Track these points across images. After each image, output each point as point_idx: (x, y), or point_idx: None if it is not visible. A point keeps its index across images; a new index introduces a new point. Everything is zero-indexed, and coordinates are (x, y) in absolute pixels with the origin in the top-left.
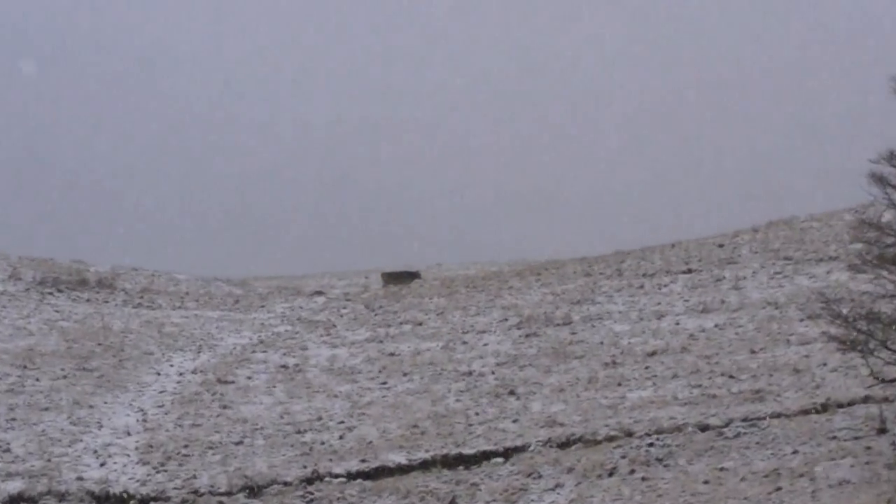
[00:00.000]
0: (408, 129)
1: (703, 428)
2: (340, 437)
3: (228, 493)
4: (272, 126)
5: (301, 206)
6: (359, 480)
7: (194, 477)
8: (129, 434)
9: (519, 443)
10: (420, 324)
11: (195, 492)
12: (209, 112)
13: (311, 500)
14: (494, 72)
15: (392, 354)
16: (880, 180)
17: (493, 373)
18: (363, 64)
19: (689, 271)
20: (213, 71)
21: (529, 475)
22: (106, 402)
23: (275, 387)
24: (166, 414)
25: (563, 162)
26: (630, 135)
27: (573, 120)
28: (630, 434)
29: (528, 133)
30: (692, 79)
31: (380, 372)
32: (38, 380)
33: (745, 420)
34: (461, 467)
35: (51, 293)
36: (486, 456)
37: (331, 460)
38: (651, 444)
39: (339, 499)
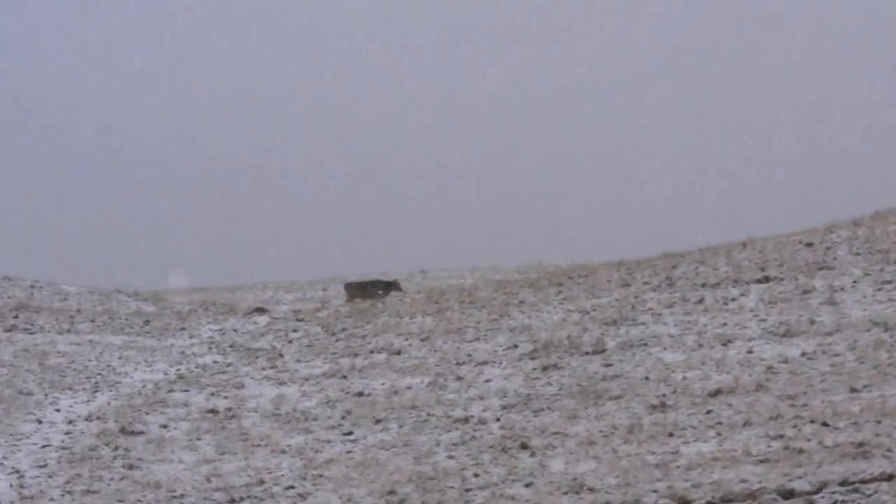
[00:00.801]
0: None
1: (787, 495)
2: None
3: None
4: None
5: (235, 199)
6: None
7: None
8: None
9: None
10: (398, 352)
11: None
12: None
13: None
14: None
15: (360, 394)
16: None
17: (497, 419)
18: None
19: (766, 280)
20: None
21: None
22: None
23: (199, 439)
24: (50, 477)
25: (591, 133)
26: (679, 101)
27: (610, 94)
28: (687, 503)
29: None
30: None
31: (343, 418)
32: None
33: (843, 484)
34: None
35: None
36: None
37: None
38: None
39: None
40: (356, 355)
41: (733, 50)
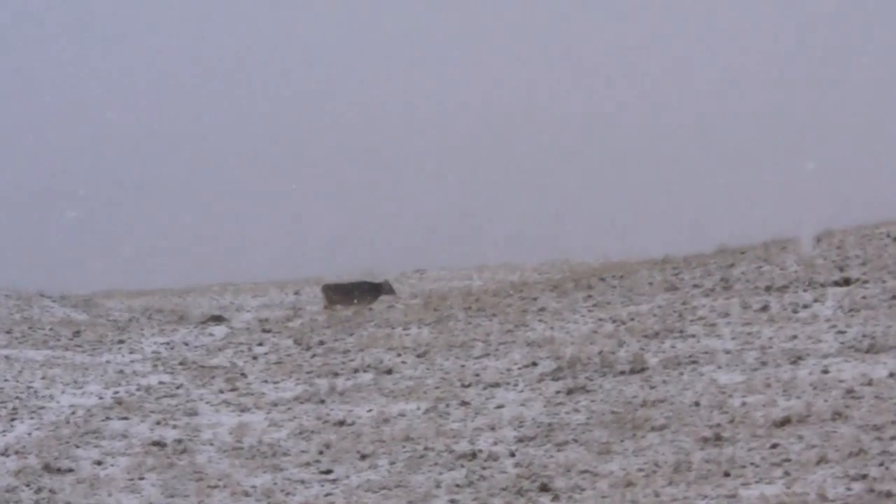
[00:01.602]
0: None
1: None
2: None
3: None
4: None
5: (184, 184)
6: None
7: None
8: None
9: None
10: (389, 371)
11: None
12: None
13: None
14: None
15: (341, 423)
16: None
17: (512, 454)
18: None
19: (846, 282)
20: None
21: None
22: None
23: (143, 478)
24: None
25: (628, 99)
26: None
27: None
28: None
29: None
30: None
31: (321, 453)
32: None
33: None
34: None
35: None
36: None
37: None
38: None
39: None
40: (336, 375)
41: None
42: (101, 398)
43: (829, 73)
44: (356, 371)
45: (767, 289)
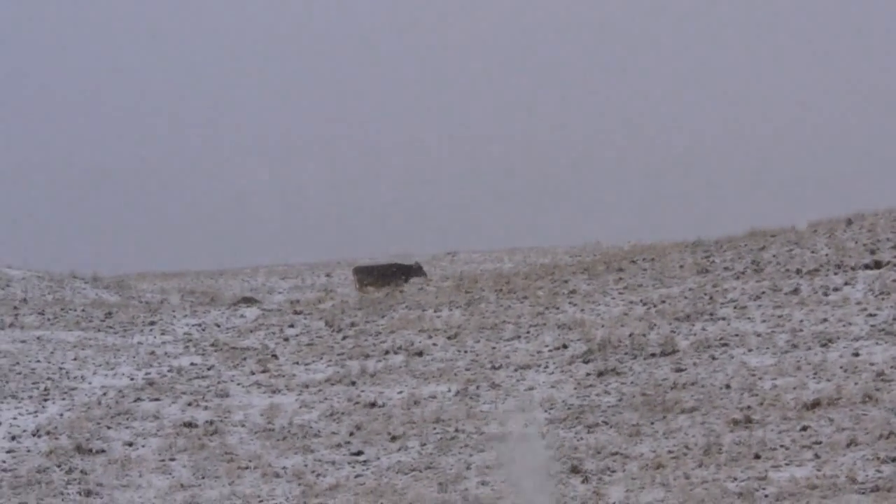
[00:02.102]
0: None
1: None
2: None
3: None
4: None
5: (216, 169)
6: None
7: None
8: None
9: None
10: (420, 353)
11: None
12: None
13: None
14: None
15: (372, 405)
16: None
17: (543, 436)
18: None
19: (877, 265)
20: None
21: None
22: None
23: (173, 459)
24: None
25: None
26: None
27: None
28: None
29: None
30: None
31: (351, 435)
32: None
33: None
34: None
35: None
36: None
37: None
38: None
39: None
40: (367, 357)
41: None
42: (132, 379)
43: (859, 55)
44: (387, 353)
45: (798, 272)
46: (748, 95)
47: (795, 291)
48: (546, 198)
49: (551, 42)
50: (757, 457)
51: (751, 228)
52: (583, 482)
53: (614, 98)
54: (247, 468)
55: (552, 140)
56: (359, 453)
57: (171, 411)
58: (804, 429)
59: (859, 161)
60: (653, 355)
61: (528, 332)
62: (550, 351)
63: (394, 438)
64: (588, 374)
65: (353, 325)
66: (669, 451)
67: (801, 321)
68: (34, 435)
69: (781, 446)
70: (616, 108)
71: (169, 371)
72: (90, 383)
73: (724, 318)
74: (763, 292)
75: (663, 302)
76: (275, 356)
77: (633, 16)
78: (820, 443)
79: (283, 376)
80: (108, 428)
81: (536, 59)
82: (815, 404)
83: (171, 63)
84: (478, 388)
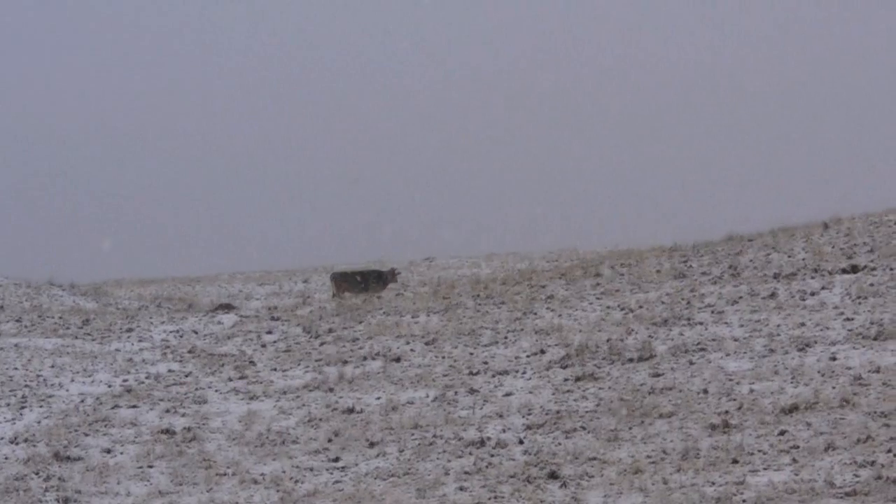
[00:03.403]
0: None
1: None
2: None
3: None
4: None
5: (194, 175)
6: None
7: None
8: None
9: None
10: (397, 359)
11: None
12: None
13: None
14: None
15: (350, 411)
16: None
17: (520, 441)
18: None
19: (854, 269)
20: None
21: None
22: None
23: (151, 466)
24: None
25: (634, 92)
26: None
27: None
28: None
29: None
30: None
31: (329, 441)
32: None
33: None
34: None
35: None
36: None
37: None
38: None
39: None
40: (345, 363)
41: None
42: (110, 386)
43: (839, 59)
44: (365, 359)
45: (775, 276)
46: (723, 97)
47: (773, 296)
48: (523, 203)
49: (524, 40)
50: (735, 461)
51: (728, 233)
52: (561, 487)
53: (591, 102)
54: (225, 475)
55: (528, 145)
56: (337, 459)
57: (149, 418)
58: (782, 433)
59: (835, 164)
60: (630, 360)
61: (505, 338)
62: (528, 356)
63: (372, 444)
64: (566, 380)
65: (330, 331)
66: (647, 456)
67: (779, 325)
68: (12, 442)
69: (759, 451)
70: (593, 112)
71: (146, 378)
72: (68, 390)
73: (701, 323)
74: (740, 297)
75: (641, 307)
76: (252, 363)
77: (617, 11)
78: (798, 447)
79: (261, 383)
80: (86, 435)
81: (511, 56)
82: (793, 409)
83: (149, 66)
84: (456, 393)
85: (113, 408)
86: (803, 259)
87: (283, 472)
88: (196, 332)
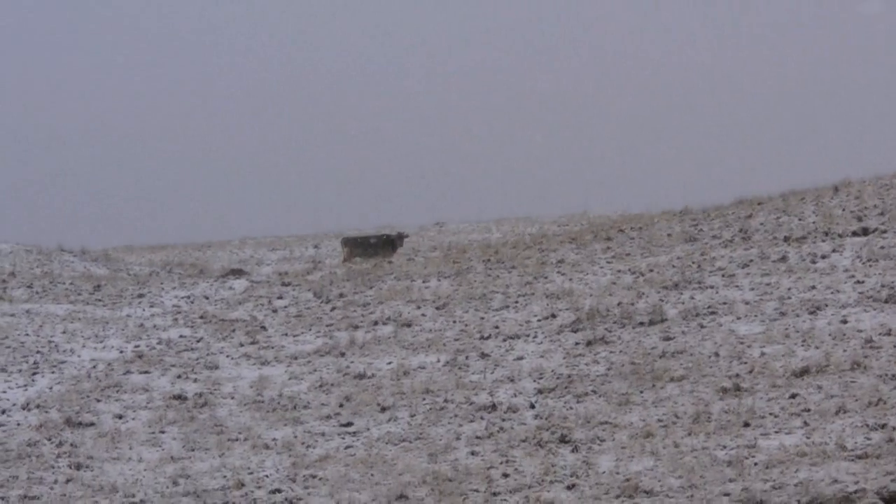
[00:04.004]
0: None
1: (890, 498)
2: None
3: None
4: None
5: (202, 140)
6: None
7: None
8: None
9: None
10: (408, 324)
11: None
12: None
13: None
14: None
15: (361, 376)
16: None
17: (532, 406)
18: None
19: (865, 232)
20: None
21: None
22: None
23: (163, 431)
24: None
25: (645, 54)
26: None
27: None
28: None
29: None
30: None
31: (340, 406)
32: None
33: None
34: None
35: None
36: None
37: None
38: None
39: None
40: (356, 328)
41: None
42: (121, 352)
43: (848, 20)
44: (376, 324)
45: (786, 239)
46: (732, 62)
47: (783, 259)
48: (533, 167)
49: (540, 12)
50: (746, 425)
51: (738, 196)
52: (572, 451)
53: (598, 66)
54: (236, 440)
55: (538, 109)
56: (348, 424)
57: (161, 384)
58: (793, 396)
59: (845, 127)
60: (641, 324)
61: (516, 302)
62: (539, 321)
63: (383, 409)
64: (577, 344)
65: (341, 296)
66: (659, 420)
67: (789, 289)
68: (24, 409)
69: (770, 414)
70: (601, 78)
71: (158, 343)
72: (79, 356)
73: (712, 287)
74: (751, 260)
75: (651, 271)
76: (263, 328)
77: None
78: (809, 410)
79: (272, 348)
80: (98, 401)
81: (529, 28)
82: (804, 372)
83: (154, 34)
84: (467, 358)
85: (125, 373)
86: (814, 222)
87: (295, 437)
88: (207, 298)
